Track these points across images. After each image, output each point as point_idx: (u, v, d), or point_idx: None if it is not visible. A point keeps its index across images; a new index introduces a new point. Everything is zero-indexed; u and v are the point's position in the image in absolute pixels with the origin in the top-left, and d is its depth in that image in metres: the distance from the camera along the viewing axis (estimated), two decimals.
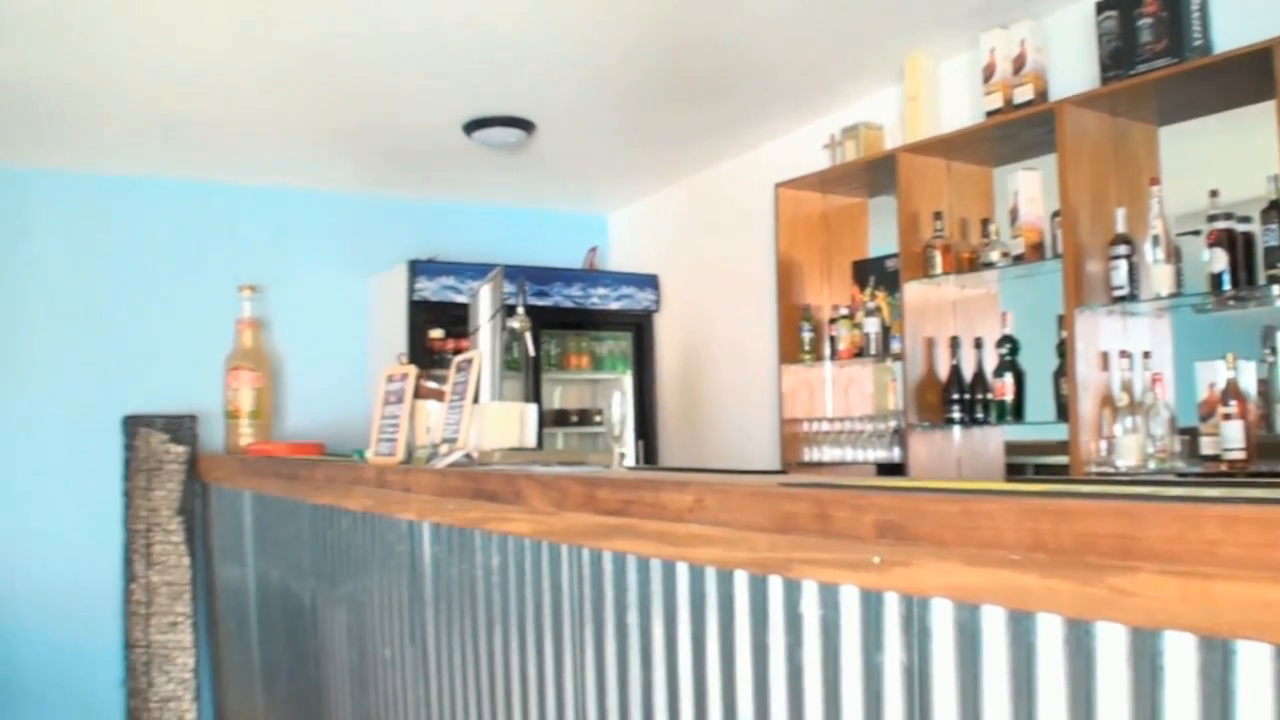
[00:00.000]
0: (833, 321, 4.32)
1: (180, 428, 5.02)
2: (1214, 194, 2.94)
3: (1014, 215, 3.50)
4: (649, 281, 5.71)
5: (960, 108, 3.84)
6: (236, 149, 4.83)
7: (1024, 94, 3.46)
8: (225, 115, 4.36)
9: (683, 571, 1.70)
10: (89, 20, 3.39)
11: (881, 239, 4.26)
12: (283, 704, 3.95)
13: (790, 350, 4.40)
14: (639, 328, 5.74)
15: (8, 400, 4.94)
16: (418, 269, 5.17)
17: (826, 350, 4.34)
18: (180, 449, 4.98)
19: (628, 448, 5.36)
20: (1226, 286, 2.87)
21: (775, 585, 1.50)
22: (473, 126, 4.50)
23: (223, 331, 5.11)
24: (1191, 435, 2.99)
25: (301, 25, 3.46)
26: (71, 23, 3.41)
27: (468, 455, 2.79)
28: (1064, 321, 3.23)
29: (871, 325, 4.11)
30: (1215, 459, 2.86)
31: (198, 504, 5.02)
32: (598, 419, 5.62)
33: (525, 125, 4.51)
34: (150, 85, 3.99)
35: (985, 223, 3.68)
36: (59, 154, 4.84)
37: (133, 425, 5.01)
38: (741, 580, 1.57)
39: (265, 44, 3.62)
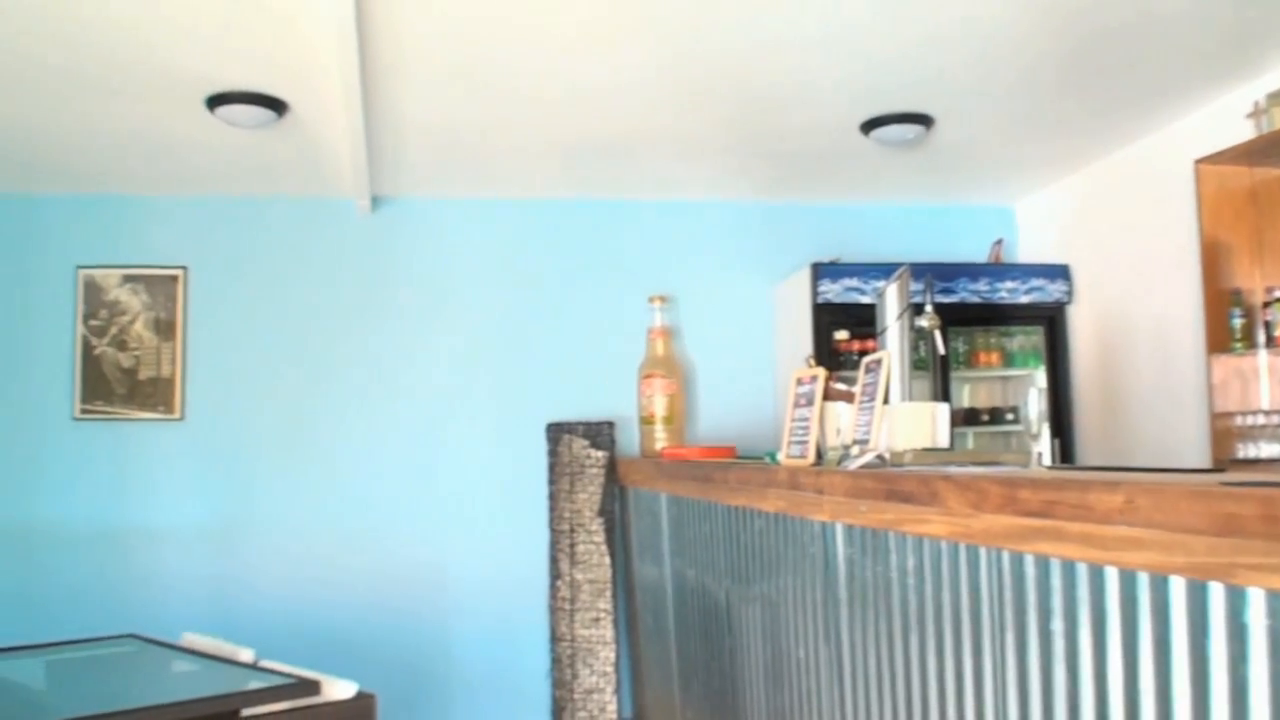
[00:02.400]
0: (1266, 305, 3.93)
1: (599, 433, 5.30)
2: None
3: None
4: (1060, 272, 5.42)
5: None
6: (638, 166, 5.06)
7: None
8: (626, 134, 4.57)
9: (1112, 576, 1.60)
10: (489, 63, 3.68)
11: None
12: (698, 699, 4.07)
13: (1219, 338, 4.03)
14: (1051, 321, 5.45)
15: (445, 409, 5.43)
16: (820, 272, 5.18)
17: (1261, 337, 3.95)
18: (600, 454, 5.26)
19: (1043, 446, 5.12)
20: None
21: (1216, 592, 1.37)
22: (870, 125, 4.46)
23: (635, 341, 5.37)
24: None
25: (700, 39, 3.57)
26: (473, 66, 3.72)
27: (879, 457, 2.76)
28: None
29: None
30: None
31: (616, 505, 5.28)
32: (1009, 417, 5.39)
33: (923, 120, 4.41)
34: (552, 113, 4.27)
35: None
36: (481, 184, 5.29)
37: (555, 432, 5.35)
38: (1178, 586, 1.45)
39: (663, 61, 3.76)
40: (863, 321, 4.60)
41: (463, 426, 5.45)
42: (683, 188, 5.44)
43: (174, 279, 5.37)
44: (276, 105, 4.07)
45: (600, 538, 5.20)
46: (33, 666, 3.76)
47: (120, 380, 5.33)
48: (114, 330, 5.34)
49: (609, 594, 5.16)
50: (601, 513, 5.22)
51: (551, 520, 5.30)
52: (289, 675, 3.27)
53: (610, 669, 5.11)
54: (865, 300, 5.04)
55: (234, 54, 3.62)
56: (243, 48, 3.57)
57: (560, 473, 5.31)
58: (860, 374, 3.03)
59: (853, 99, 4.21)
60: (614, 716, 5.07)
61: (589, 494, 5.25)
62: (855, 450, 2.88)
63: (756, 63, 3.80)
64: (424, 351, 5.46)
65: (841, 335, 5.17)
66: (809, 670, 2.88)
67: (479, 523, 5.41)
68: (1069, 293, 5.42)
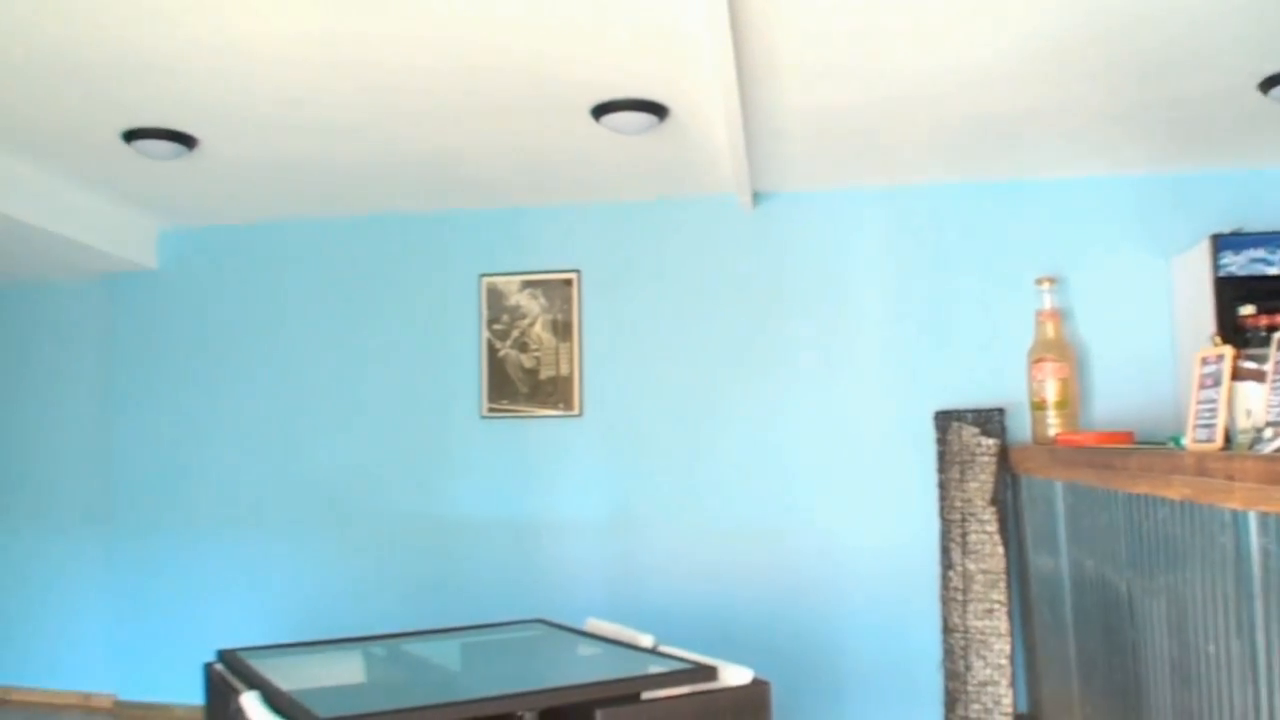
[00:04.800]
0: None
1: (989, 420, 5.17)
2: None
3: None
4: None
5: None
6: (1022, 145, 4.88)
7: None
8: (1009, 112, 4.42)
9: None
10: (865, 50, 3.68)
11: None
12: (1098, 695, 3.90)
13: None
14: None
15: (832, 399, 5.49)
16: (1221, 243, 4.79)
17: None
18: (990, 441, 5.13)
19: None
20: None
21: None
22: (1270, 83, 4.08)
23: (1023, 325, 5.19)
24: None
25: (1085, 8, 3.42)
26: (849, 54, 3.73)
27: None
28: None
29: None
30: None
31: (1009, 494, 5.13)
32: None
33: None
34: (932, 96, 4.20)
35: None
36: (861, 174, 5.30)
37: (944, 420, 5.27)
38: None
39: (1047, 35, 3.62)
40: (1271, 294, 4.22)
41: (850, 416, 5.48)
42: (1068, 164, 5.19)
43: (569, 282, 5.75)
44: (658, 110, 4.27)
45: (992, 527, 5.07)
46: (449, 648, 4.12)
47: (523, 380, 5.77)
48: (515, 333, 5.79)
49: (1003, 585, 5.02)
50: (993, 501, 5.09)
51: (942, 509, 5.22)
52: (687, 660, 3.42)
53: (1005, 661, 4.98)
54: (1272, 272, 4.65)
55: (615, 63, 3.84)
56: (623, 56, 3.78)
57: (950, 461, 5.23)
58: (1272, 351, 2.80)
59: (1247, 57, 3.86)
60: (1009, 710, 4.93)
61: (980, 482, 5.14)
62: (1269, 433, 2.67)
63: (1144, 28, 3.58)
64: (810, 343, 5.54)
65: (1247, 310, 4.75)
66: (1219, 667, 2.70)
67: (868, 512, 5.42)
68: None
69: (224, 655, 3.61)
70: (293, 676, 3.24)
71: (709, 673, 3.28)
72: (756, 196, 5.58)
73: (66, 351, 6.77)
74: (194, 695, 5.54)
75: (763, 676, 3.30)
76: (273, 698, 2.94)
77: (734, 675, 3.28)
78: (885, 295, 5.49)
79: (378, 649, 3.97)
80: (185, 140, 4.57)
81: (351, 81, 4.00)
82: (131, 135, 4.50)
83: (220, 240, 6.29)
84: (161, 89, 4.02)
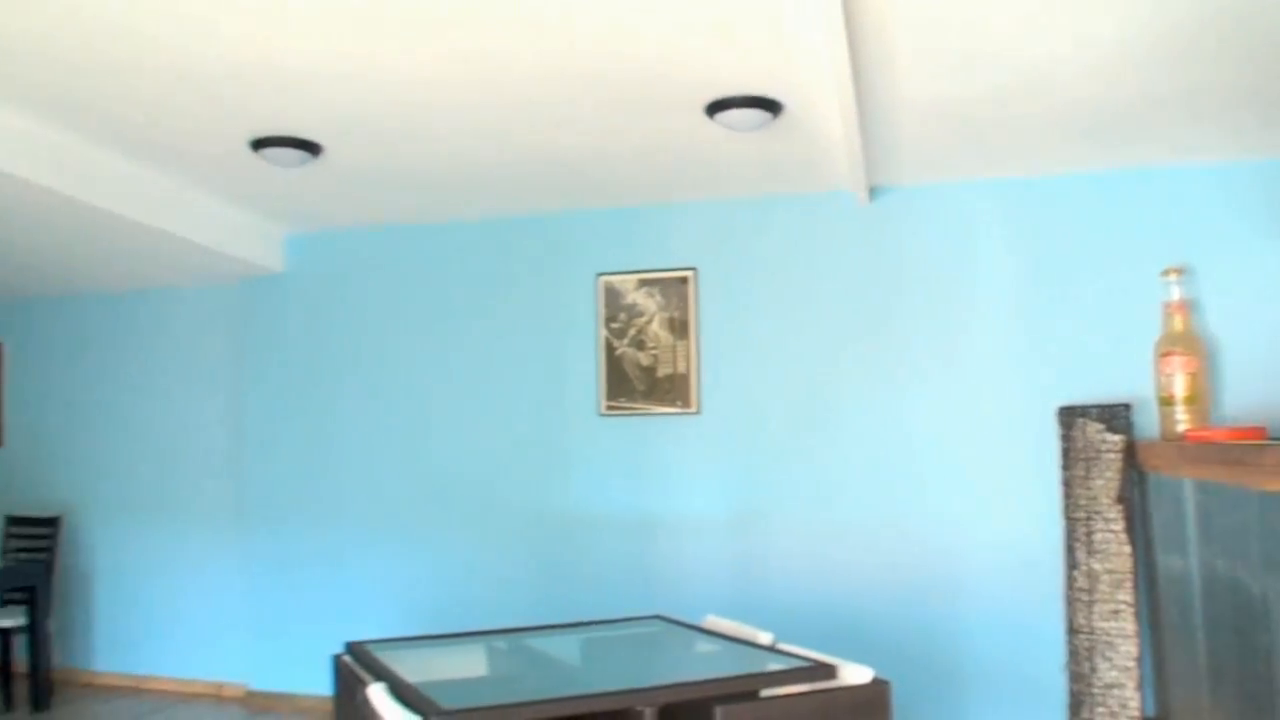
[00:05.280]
0: None
1: (1114, 417, 5.05)
2: None
3: None
4: None
5: None
6: (1147, 131, 4.73)
7: None
8: (1133, 98, 4.30)
9: None
10: (982, 35, 3.61)
11: None
12: (1230, 701, 3.78)
13: None
14: None
15: (952, 395, 5.41)
16: None
17: None
18: (1116, 438, 5.01)
19: None
20: None
21: None
22: None
23: (1150, 318, 5.04)
24: None
25: None
26: (965, 42, 3.66)
27: None
28: None
29: None
30: None
31: (1135, 492, 5.00)
32: None
33: None
34: (1053, 82, 4.11)
35: None
36: (979, 166, 5.21)
37: (1067, 416, 5.16)
38: None
39: (1174, 15, 3.52)
40: None
41: (972, 412, 5.40)
42: (1193, 151, 5.01)
43: (684, 280, 5.78)
44: (771, 106, 4.26)
45: (1119, 526, 4.95)
46: (569, 643, 4.18)
47: (640, 377, 5.81)
48: (632, 331, 5.83)
49: (1129, 585, 4.90)
50: (1120, 500, 4.96)
51: (1066, 508, 5.11)
52: (806, 658, 3.42)
53: (1132, 664, 4.86)
54: None
55: (728, 60, 3.85)
56: (736, 53, 3.78)
57: (1074, 458, 5.12)
58: None
59: None
60: (1137, 713, 4.80)
61: (1105, 480, 5.02)
62: None
63: (1269, 5, 3.45)
64: (930, 338, 5.48)
65: None
66: None
67: (990, 510, 5.33)
68: None
69: (351, 647, 3.72)
70: (417, 669, 3.33)
71: (828, 671, 3.28)
72: (873, 191, 5.53)
73: (200, 353, 7.04)
74: (321, 686, 5.74)
75: (883, 676, 3.28)
76: (398, 689, 3.02)
77: (853, 674, 3.27)
78: (1006, 288, 5.39)
79: (500, 643, 4.04)
80: (310, 148, 4.71)
81: (471, 90, 4.08)
82: (259, 144, 4.66)
83: (344, 244, 6.47)
84: (288, 98, 4.16)
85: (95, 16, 3.40)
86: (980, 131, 4.70)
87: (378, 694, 2.94)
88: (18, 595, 6.64)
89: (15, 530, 6.99)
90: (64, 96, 4.12)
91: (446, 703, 2.84)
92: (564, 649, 4.07)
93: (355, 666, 3.53)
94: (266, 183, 5.35)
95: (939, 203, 5.49)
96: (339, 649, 3.78)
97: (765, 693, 3.20)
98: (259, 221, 6.22)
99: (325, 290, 6.51)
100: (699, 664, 3.81)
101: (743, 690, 3.19)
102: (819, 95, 4.13)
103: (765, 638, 3.77)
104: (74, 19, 3.40)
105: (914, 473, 5.44)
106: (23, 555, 6.90)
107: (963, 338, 5.43)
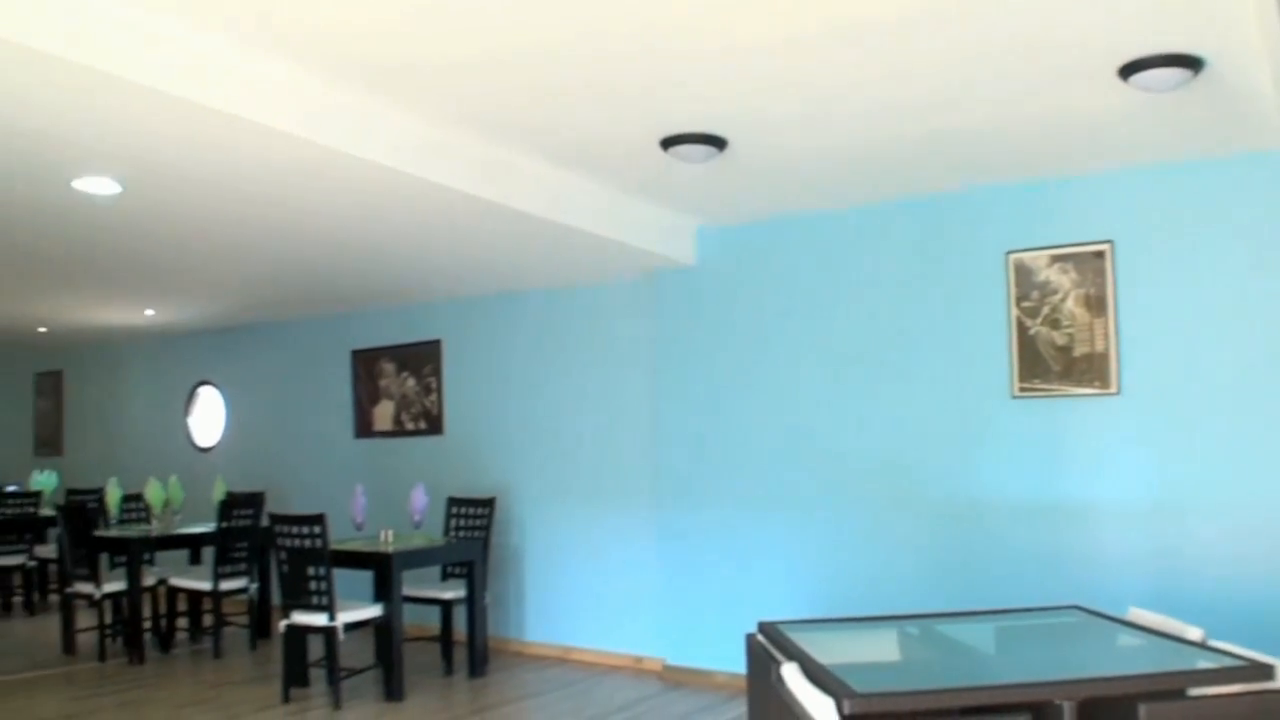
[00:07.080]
0: None
1: None
2: None
3: None
4: None
5: None
6: None
7: None
8: None
9: None
10: None
11: None
12: None
13: None
14: None
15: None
16: None
17: None
18: None
19: None
20: None
21: None
22: None
23: None
24: None
25: None
26: None
27: None
28: None
29: None
30: None
31: None
32: None
33: None
34: None
35: None
36: None
37: None
38: None
39: None
40: None
41: None
42: None
43: (1100, 254, 5.46)
44: (1193, 63, 3.95)
45: None
46: (982, 630, 4.08)
47: (1055, 358, 5.56)
48: (1046, 310, 5.59)
49: None
50: None
51: None
52: (1240, 657, 3.17)
53: None
54: None
55: (1141, 17, 3.60)
56: (1144, 11, 3.53)
57: None
58: None
59: None
60: None
61: None
62: None
63: None
64: None
65: None
66: None
67: None
68: None
69: (763, 627, 3.82)
70: (829, 650, 3.37)
71: (1265, 671, 3.02)
72: None
73: (620, 342, 7.46)
74: (733, 664, 5.93)
75: None
76: (810, 670, 3.07)
77: None
78: None
79: (911, 628, 4.02)
80: (717, 142, 4.87)
81: (871, 69, 4.06)
82: (668, 142, 4.87)
83: (749, 235, 6.63)
84: (693, 95, 4.32)
85: (537, 43, 3.70)
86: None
87: (792, 673, 3.01)
88: (458, 570, 7.35)
89: (455, 511, 7.70)
90: (498, 113, 4.50)
91: (859, 686, 2.86)
92: (977, 637, 3.98)
93: (768, 645, 3.63)
94: (677, 179, 5.59)
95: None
96: (749, 628, 3.89)
97: (1194, 691, 3.00)
98: (673, 218, 6.50)
99: (732, 280, 6.70)
100: (1121, 658, 3.61)
101: (1169, 688, 3.00)
102: (1244, 47, 3.78)
103: (1194, 633, 3.52)
104: (511, 44, 3.71)
105: None
106: (462, 534, 7.59)
107: None
